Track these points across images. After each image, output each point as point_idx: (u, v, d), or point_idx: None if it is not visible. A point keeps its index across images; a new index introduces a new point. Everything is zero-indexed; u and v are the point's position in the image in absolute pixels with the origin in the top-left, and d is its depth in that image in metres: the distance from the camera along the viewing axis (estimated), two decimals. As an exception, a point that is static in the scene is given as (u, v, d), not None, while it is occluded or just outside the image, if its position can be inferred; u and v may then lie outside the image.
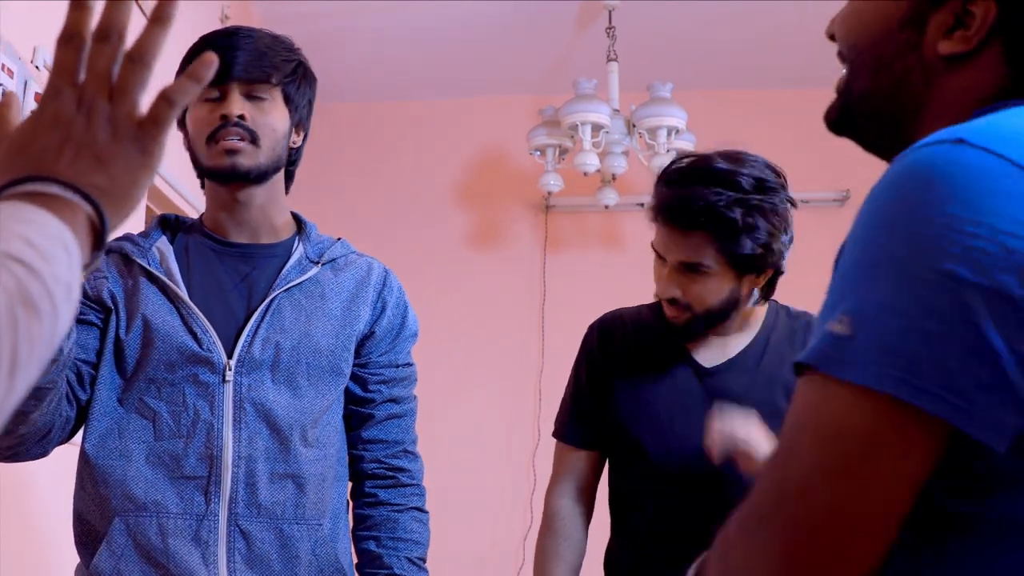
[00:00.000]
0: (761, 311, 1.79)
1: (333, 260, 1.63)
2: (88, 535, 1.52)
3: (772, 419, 1.61)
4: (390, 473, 1.66)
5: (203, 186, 1.66)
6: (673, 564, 1.63)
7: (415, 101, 4.29)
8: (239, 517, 1.47)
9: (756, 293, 1.73)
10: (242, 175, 1.55)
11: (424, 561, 1.68)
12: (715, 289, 1.66)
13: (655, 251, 1.74)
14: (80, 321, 1.51)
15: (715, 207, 1.59)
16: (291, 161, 1.66)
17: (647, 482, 1.73)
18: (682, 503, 1.67)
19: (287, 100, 1.60)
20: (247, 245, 1.62)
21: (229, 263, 1.60)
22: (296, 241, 1.64)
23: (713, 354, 1.76)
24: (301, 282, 1.58)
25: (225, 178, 1.57)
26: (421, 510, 1.68)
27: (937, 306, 0.65)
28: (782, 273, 1.74)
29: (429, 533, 1.70)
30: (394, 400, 1.66)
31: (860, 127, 0.89)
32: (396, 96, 4.26)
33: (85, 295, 1.53)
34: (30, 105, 2.11)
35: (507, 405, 4.02)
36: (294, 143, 1.64)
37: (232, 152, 1.53)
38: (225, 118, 1.53)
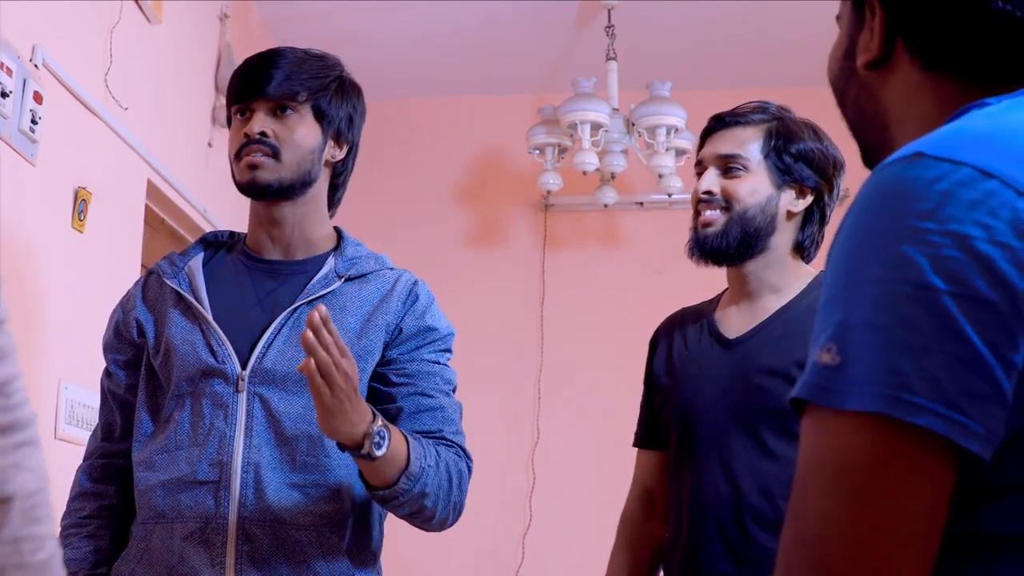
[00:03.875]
0: (802, 275, 1.76)
1: (363, 275, 1.64)
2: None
3: (788, 389, 1.60)
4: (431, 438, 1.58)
5: None
6: (703, 540, 1.64)
7: (414, 100, 4.29)
8: (247, 521, 1.50)
9: (796, 232, 1.74)
10: (263, 189, 1.60)
11: (444, 468, 1.52)
12: (752, 190, 1.70)
13: (696, 170, 1.79)
14: (120, 362, 1.66)
15: (768, 106, 1.75)
16: (335, 174, 1.69)
17: (677, 452, 1.74)
18: (706, 473, 1.67)
19: (319, 115, 1.63)
20: (278, 262, 1.66)
21: (258, 279, 1.65)
22: (330, 256, 1.66)
23: (743, 320, 1.74)
24: (323, 295, 1.60)
25: (248, 192, 1.62)
26: (463, 456, 1.59)
27: (918, 319, 0.64)
28: (823, 222, 1.77)
29: (461, 478, 1.56)
30: (423, 394, 1.59)
31: (873, 160, 0.90)
32: (395, 95, 4.25)
33: (120, 336, 1.66)
34: (28, 103, 2.11)
35: (506, 404, 4.02)
36: (333, 156, 1.67)
37: (253, 167, 1.59)
38: (247, 136, 1.59)
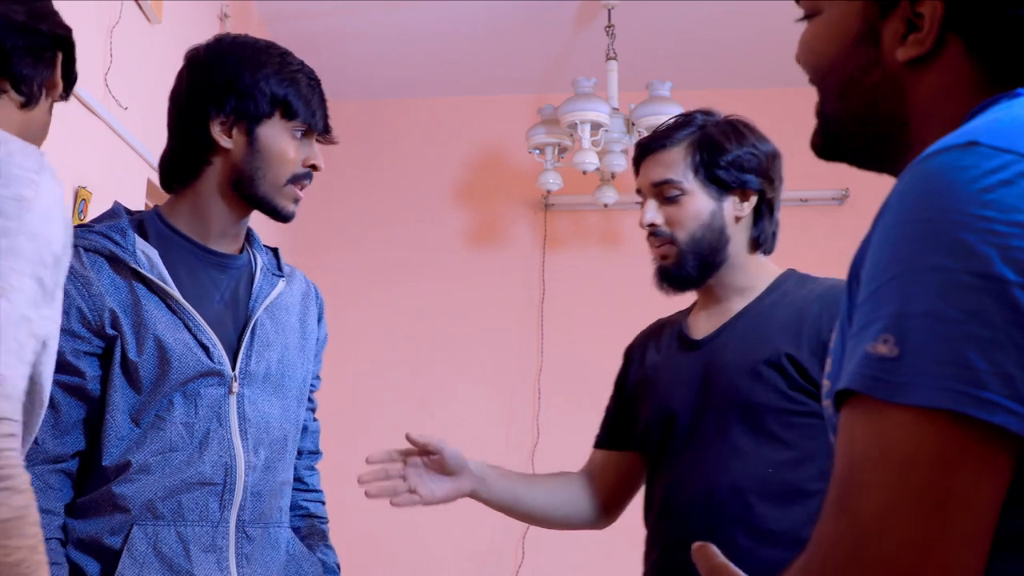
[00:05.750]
0: (768, 272, 1.75)
1: (282, 271, 1.70)
2: (97, 553, 1.47)
3: (753, 383, 1.61)
4: (315, 487, 1.77)
5: (194, 176, 1.57)
6: (678, 541, 1.63)
7: (414, 99, 4.29)
8: (245, 523, 1.54)
9: (748, 231, 1.72)
10: (289, 219, 1.61)
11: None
12: (694, 212, 1.69)
13: (639, 195, 1.79)
14: (82, 353, 1.46)
15: (691, 118, 1.73)
16: None
17: (652, 457, 1.76)
18: (679, 475, 1.68)
19: None
20: (227, 255, 1.61)
21: (210, 272, 1.59)
22: (250, 251, 1.65)
23: (710, 322, 1.74)
24: (274, 298, 1.63)
25: (278, 218, 1.59)
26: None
27: (987, 311, 0.62)
28: (772, 213, 1.74)
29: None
30: (313, 410, 1.77)
31: (847, 150, 0.88)
32: (395, 94, 4.26)
33: (87, 325, 1.46)
34: (29, 103, 2.11)
35: (506, 403, 4.02)
36: None
37: (298, 201, 1.60)
38: (315, 168, 1.59)
